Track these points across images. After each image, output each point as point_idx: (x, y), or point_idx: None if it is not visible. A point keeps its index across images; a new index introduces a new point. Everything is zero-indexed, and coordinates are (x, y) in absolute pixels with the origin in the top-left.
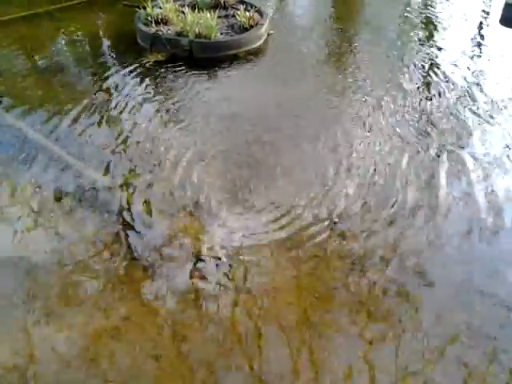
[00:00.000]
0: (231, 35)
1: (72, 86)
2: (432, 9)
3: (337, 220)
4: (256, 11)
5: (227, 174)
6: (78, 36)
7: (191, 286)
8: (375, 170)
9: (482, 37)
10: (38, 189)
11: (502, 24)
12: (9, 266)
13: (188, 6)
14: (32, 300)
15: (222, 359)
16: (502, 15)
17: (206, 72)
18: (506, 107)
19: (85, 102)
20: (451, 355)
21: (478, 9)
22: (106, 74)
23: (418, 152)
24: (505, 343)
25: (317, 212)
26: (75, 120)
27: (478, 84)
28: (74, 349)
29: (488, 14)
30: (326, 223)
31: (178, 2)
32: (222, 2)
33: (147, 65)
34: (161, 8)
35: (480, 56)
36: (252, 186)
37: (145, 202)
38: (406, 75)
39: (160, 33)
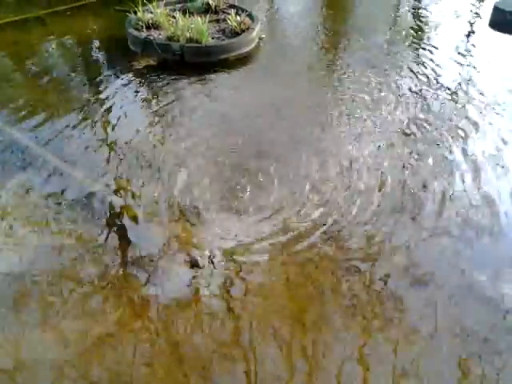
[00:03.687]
0: (222, 40)
1: (63, 90)
2: (422, 12)
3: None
4: (247, 15)
5: (220, 177)
6: (69, 41)
7: (185, 289)
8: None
9: (471, 40)
10: (30, 192)
11: (490, 27)
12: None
13: (179, 10)
14: (24, 305)
15: (216, 363)
16: (491, 19)
17: (197, 76)
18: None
19: (76, 106)
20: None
21: (468, 12)
22: (97, 79)
23: (404, 167)
24: None
25: (309, 213)
26: (66, 124)
27: (467, 84)
28: (66, 355)
29: (478, 16)
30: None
31: (169, 7)
32: (213, 6)
33: (138, 69)
34: (152, 13)
35: (469, 59)
36: (246, 188)
37: (138, 206)
38: (397, 77)
39: (151, 37)
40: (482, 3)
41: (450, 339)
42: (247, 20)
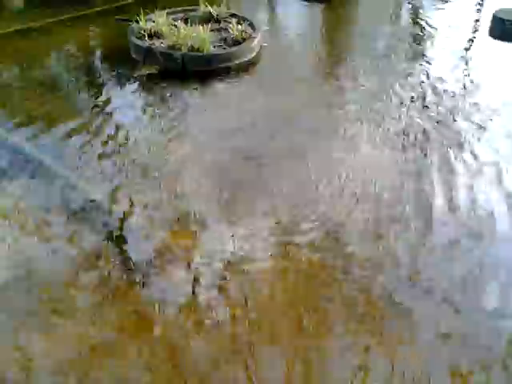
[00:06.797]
0: (224, 48)
1: (66, 99)
2: (421, 21)
3: None
4: (248, 24)
5: (221, 187)
6: (71, 50)
7: (185, 296)
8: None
9: (471, 48)
10: (29, 199)
11: (490, 36)
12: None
13: (181, 19)
14: (25, 312)
15: (216, 371)
16: (490, 28)
17: (198, 85)
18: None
19: (78, 115)
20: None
21: (468, 21)
22: (100, 87)
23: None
24: None
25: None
26: (70, 133)
27: (466, 96)
28: (67, 362)
29: (478, 25)
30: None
31: (171, 16)
32: (215, 15)
33: (141, 77)
34: (154, 22)
35: (469, 68)
36: (246, 197)
37: (138, 213)
38: (397, 88)
39: (153, 46)
40: (481, 12)
41: None
42: (249, 29)
